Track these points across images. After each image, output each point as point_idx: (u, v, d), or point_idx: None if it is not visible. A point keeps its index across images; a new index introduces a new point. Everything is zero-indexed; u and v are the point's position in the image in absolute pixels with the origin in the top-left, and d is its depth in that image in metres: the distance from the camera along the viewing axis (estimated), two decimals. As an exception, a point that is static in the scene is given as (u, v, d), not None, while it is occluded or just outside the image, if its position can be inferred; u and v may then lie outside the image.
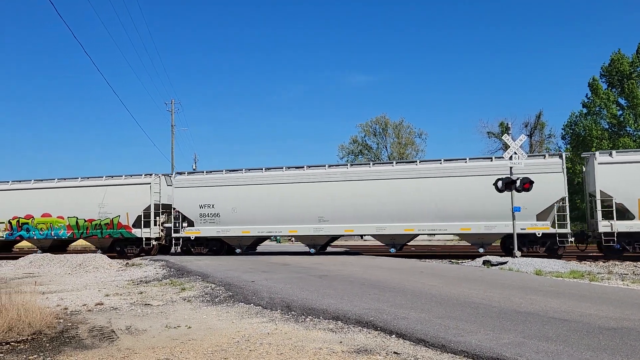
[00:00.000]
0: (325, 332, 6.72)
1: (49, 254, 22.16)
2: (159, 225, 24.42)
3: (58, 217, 25.30)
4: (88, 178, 25.76)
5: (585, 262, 17.50)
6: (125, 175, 25.22)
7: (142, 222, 23.96)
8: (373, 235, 21.86)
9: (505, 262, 15.68)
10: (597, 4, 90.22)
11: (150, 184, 24.23)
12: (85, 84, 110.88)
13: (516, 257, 16.89)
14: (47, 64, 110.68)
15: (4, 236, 26.09)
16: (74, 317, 8.14)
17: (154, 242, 24.38)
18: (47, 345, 6.24)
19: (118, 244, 24.93)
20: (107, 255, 21.39)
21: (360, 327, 6.89)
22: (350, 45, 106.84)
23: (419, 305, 8.16)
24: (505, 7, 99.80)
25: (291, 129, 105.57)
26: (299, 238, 23.01)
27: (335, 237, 24.09)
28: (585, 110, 40.19)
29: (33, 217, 25.64)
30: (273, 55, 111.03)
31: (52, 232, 25.34)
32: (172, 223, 23.67)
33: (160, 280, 13.49)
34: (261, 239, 25.74)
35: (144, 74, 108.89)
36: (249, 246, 24.05)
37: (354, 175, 21.43)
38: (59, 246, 27.07)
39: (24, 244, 29.79)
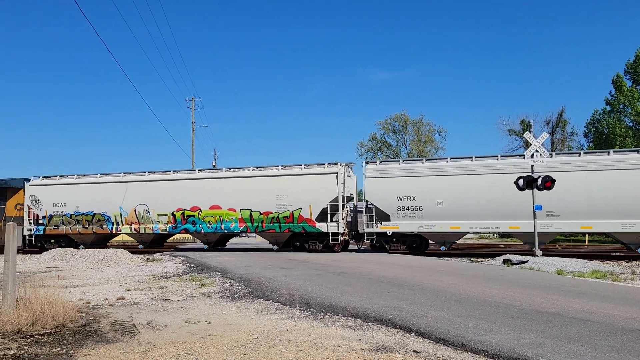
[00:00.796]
0: (344, 330, 6.72)
1: (70, 248, 22.47)
2: (344, 218, 22.25)
3: (229, 210, 23.43)
4: (262, 167, 23.83)
5: (608, 262, 17.23)
6: (305, 165, 23.29)
7: (329, 215, 21.88)
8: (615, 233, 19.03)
9: (526, 261, 15.52)
10: (622, 1, 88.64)
11: (336, 173, 22.13)
12: (104, 82, 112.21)
13: (537, 256, 16.70)
14: (68, 61, 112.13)
15: (167, 229, 24.54)
16: (96, 311, 8.25)
17: (341, 238, 22.28)
18: (70, 338, 6.34)
19: (297, 239, 23.01)
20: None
21: (379, 325, 6.87)
22: (373, 42, 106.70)
23: (438, 304, 8.11)
24: (529, 4, 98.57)
25: (312, 126, 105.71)
26: (520, 235, 20.15)
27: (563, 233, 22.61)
28: (608, 108, 39.61)
29: (200, 209, 23.86)
30: (295, 52, 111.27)
31: (222, 226, 23.50)
32: (365, 217, 21.34)
33: (181, 276, 13.61)
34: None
35: (165, 72, 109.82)
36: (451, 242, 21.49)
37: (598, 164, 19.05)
38: (221, 240, 25.83)
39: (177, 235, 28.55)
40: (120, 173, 26.11)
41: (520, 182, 17.46)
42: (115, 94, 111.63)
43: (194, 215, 23.93)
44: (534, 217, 17.82)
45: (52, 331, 6.57)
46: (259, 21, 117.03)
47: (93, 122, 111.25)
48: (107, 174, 26.28)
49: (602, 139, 38.42)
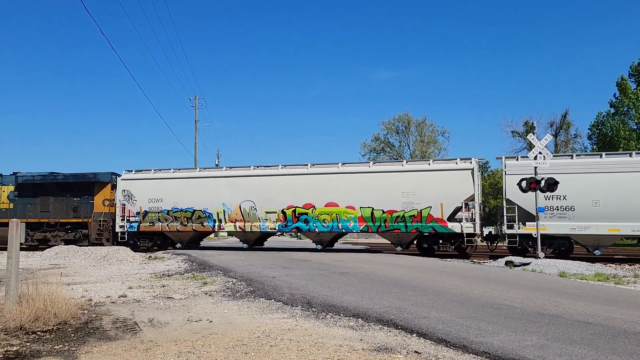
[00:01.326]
0: (345, 330, 6.72)
1: (73, 246, 22.50)
2: (477, 218, 20.34)
3: (347, 208, 21.73)
4: (383, 162, 22.42)
5: (611, 264, 17.20)
6: (435, 160, 22.16)
7: (463, 214, 20.41)
8: None
9: (528, 263, 15.50)
10: (626, 2, 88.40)
11: (472, 169, 20.43)
12: (108, 79, 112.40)
13: (539, 258, 16.68)
14: (71, 58, 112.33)
15: (276, 227, 23.05)
16: (98, 309, 8.26)
17: (477, 239, 20.67)
18: (72, 335, 6.35)
19: (425, 240, 21.33)
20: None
21: (381, 325, 6.87)
22: (376, 41, 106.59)
23: (440, 305, 8.11)
24: (533, 5, 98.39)
25: (315, 125, 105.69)
26: None
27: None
28: (612, 110, 39.50)
29: (314, 206, 22.21)
30: (298, 51, 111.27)
31: (340, 225, 21.85)
32: (505, 217, 19.66)
33: (183, 274, 13.62)
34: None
35: (169, 70, 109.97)
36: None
37: None
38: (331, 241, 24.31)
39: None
40: (223, 167, 25.25)
41: None
42: (118, 92, 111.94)
43: (306, 213, 22.34)
44: (537, 219, 17.80)
45: (55, 328, 6.58)
46: (263, 20, 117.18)
47: (95, 120, 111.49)
48: (207, 168, 25.32)
49: (606, 141, 38.31)
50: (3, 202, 27.23)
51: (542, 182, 17.33)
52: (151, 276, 13.35)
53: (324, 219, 22.06)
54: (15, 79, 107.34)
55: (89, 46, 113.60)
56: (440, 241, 20.91)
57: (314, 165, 22.98)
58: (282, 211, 22.67)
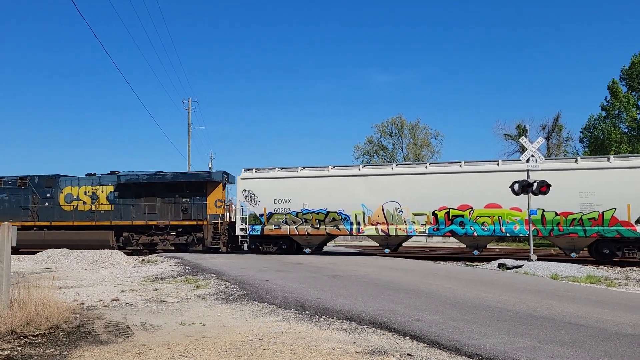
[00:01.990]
0: (338, 333, 6.72)
1: (66, 249, 22.33)
2: None
3: (512, 209, 19.78)
4: (555, 160, 20.85)
5: (602, 267, 17.29)
6: (616, 157, 19.95)
7: None
8: None
9: (520, 266, 15.56)
10: (618, 6, 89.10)
11: None
12: (99, 81, 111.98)
13: (532, 260, 16.74)
14: (63, 60, 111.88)
15: (426, 231, 21.11)
16: (90, 313, 8.23)
17: None
18: (64, 339, 6.32)
19: (605, 245, 19.19)
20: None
21: (374, 328, 6.88)
22: (375, 44, 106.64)
23: (433, 308, 8.13)
24: (525, 8, 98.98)
25: (310, 129, 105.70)
26: None
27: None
28: (604, 114, 39.73)
29: (472, 208, 20.30)
30: (296, 54, 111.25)
31: (503, 228, 19.92)
32: None
33: (176, 278, 13.58)
34: None
35: (162, 73, 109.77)
36: None
37: None
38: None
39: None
40: (359, 166, 23.70)
41: None
42: (110, 94, 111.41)
43: (462, 215, 20.40)
44: (529, 222, 17.88)
45: (46, 332, 6.55)
46: (257, 22, 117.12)
47: (87, 122, 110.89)
48: (339, 167, 22.83)
49: (597, 144, 38.55)
50: (102, 204, 25.40)
51: None
52: (144, 280, 13.31)
53: (483, 222, 20.17)
54: (7, 79, 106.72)
55: (80, 47, 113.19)
56: (624, 247, 19.04)
57: (467, 162, 20.99)
58: (434, 213, 20.74)
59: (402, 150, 56.02)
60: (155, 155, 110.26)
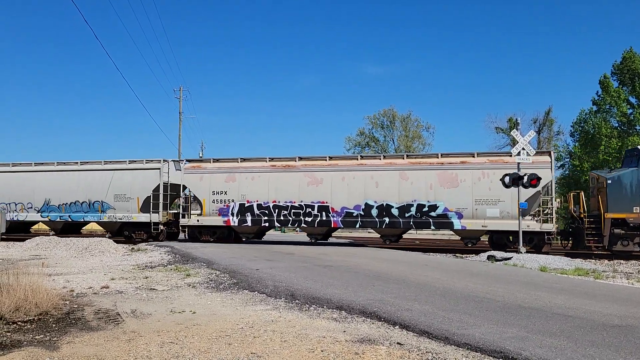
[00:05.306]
0: (329, 322, 6.75)
1: (54, 237, 22.22)
2: None
3: None
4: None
5: (591, 260, 17.45)
6: None
7: None
8: None
9: (509, 258, 15.66)
10: (611, 1, 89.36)
11: None
12: (90, 69, 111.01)
13: (521, 252, 16.86)
14: (54, 48, 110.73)
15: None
16: (80, 300, 8.20)
17: None
18: (54, 325, 6.30)
19: None
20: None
21: (364, 318, 6.91)
22: (365, 36, 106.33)
23: (422, 298, 8.17)
24: (517, 4, 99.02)
25: (301, 120, 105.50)
26: None
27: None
28: (595, 108, 39.97)
29: None
30: (286, 44, 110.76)
31: None
32: None
33: (166, 266, 13.56)
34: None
35: (154, 62, 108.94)
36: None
37: None
38: None
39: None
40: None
41: None
42: (101, 82, 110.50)
43: None
44: (519, 215, 17.99)
45: (36, 318, 6.53)
46: (250, 13, 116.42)
47: (77, 110, 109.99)
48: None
49: (588, 138, 38.78)
50: None
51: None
52: (134, 268, 13.27)
53: None
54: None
55: (72, 35, 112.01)
56: None
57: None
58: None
59: (394, 142, 56.17)
60: (145, 144, 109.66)
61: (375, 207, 20.97)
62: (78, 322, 6.56)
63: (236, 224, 22.66)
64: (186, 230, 23.87)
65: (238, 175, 22.88)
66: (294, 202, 21.97)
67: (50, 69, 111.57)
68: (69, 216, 25.20)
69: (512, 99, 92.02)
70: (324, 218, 21.59)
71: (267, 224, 22.64)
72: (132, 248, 20.08)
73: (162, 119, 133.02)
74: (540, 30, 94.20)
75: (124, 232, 24.83)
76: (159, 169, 23.98)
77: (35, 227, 29.62)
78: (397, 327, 6.35)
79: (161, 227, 24.07)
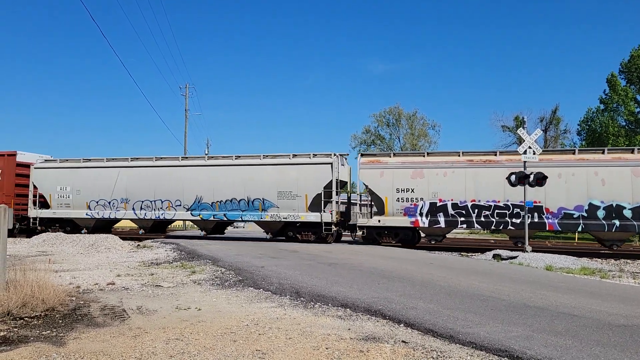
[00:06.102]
0: (333, 319, 6.76)
1: (61, 233, 22.32)
2: None
3: None
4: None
5: (597, 259, 17.38)
6: None
7: None
8: None
9: (515, 257, 15.62)
10: (617, 0, 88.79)
11: None
12: (96, 67, 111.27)
13: (527, 251, 16.81)
14: (61, 45, 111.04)
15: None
16: (86, 296, 8.25)
17: None
18: (60, 321, 6.34)
19: None
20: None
21: (368, 316, 6.92)
22: (371, 33, 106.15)
23: (427, 296, 8.17)
24: (524, 2, 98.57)
25: (307, 116, 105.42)
26: None
27: None
28: (602, 107, 39.77)
29: None
30: (292, 42, 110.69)
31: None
32: None
33: (171, 263, 13.61)
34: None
35: (160, 60, 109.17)
36: None
37: None
38: None
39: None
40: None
41: None
42: (107, 79, 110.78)
43: None
44: (525, 213, 17.93)
45: (42, 314, 6.57)
46: (256, 10, 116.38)
47: (83, 108, 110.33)
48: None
49: (595, 137, 38.61)
50: None
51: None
52: (140, 264, 13.33)
53: None
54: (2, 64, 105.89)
55: (78, 33, 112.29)
56: None
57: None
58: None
59: (399, 140, 56.04)
60: (151, 141, 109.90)
61: (602, 209, 18.95)
62: (84, 318, 6.60)
63: (426, 225, 20.56)
64: (363, 231, 21.60)
65: (426, 170, 20.68)
66: (498, 202, 19.91)
67: (52, 65, 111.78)
68: (224, 215, 22.94)
69: (518, 97, 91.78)
70: (536, 220, 19.39)
71: (464, 225, 20.38)
72: (138, 245, 20.16)
73: (167, 116, 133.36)
74: (547, 28, 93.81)
75: (287, 233, 22.50)
76: (331, 163, 21.54)
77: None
78: (402, 325, 6.35)
79: (334, 227, 21.74)
